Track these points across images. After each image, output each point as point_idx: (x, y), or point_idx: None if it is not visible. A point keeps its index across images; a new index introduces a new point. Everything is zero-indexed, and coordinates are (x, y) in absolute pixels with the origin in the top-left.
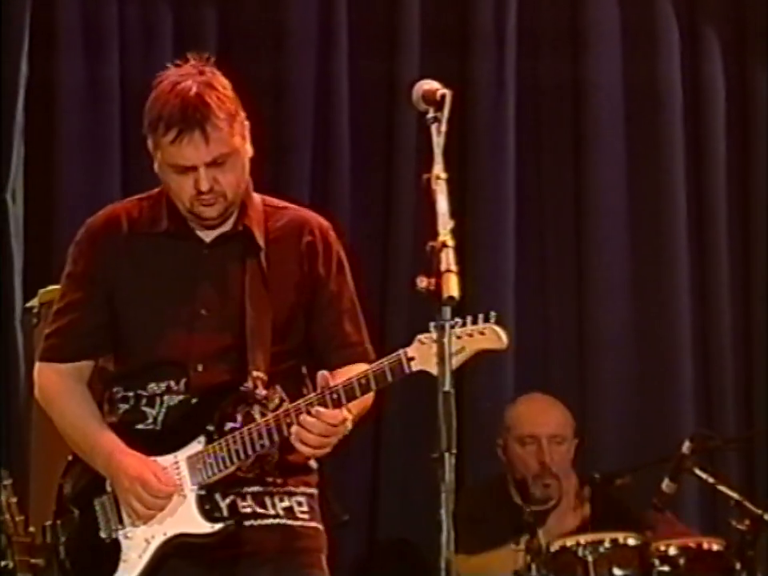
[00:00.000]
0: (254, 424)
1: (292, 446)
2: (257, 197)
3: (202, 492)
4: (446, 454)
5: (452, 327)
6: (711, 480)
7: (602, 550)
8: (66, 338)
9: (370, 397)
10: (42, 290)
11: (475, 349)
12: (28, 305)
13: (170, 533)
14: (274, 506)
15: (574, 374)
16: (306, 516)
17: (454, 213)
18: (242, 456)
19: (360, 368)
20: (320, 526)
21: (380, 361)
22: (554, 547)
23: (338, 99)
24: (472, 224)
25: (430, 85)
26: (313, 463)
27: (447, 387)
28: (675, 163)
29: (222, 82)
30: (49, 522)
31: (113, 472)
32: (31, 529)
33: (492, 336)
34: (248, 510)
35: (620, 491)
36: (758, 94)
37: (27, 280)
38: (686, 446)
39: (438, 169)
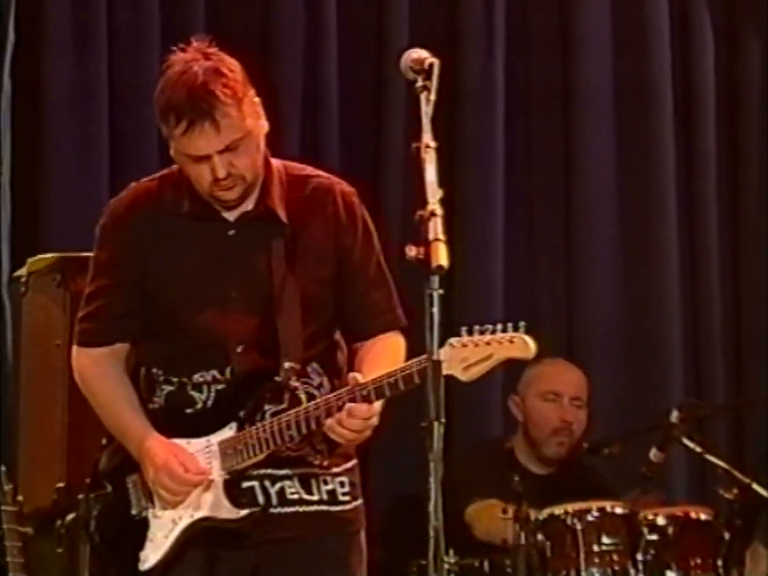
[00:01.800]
0: (285, 415)
1: None
2: (278, 165)
3: (229, 477)
4: (435, 423)
5: (481, 333)
6: (699, 449)
7: (590, 518)
8: (96, 324)
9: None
10: (30, 259)
11: (503, 356)
12: (16, 274)
13: (197, 515)
14: (318, 489)
15: (563, 343)
16: (347, 498)
17: (443, 182)
18: (271, 445)
19: (391, 339)
20: (359, 502)
21: (410, 362)
22: (543, 516)
23: (326, 78)
24: (461, 193)
25: (418, 53)
26: None
27: (436, 356)
28: (665, 154)
29: (229, 64)
30: (81, 495)
31: (142, 459)
32: (19, 497)
33: (521, 345)
34: (295, 496)
35: (608, 460)
36: (749, 93)
37: (15, 249)
38: (674, 415)
39: (427, 138)
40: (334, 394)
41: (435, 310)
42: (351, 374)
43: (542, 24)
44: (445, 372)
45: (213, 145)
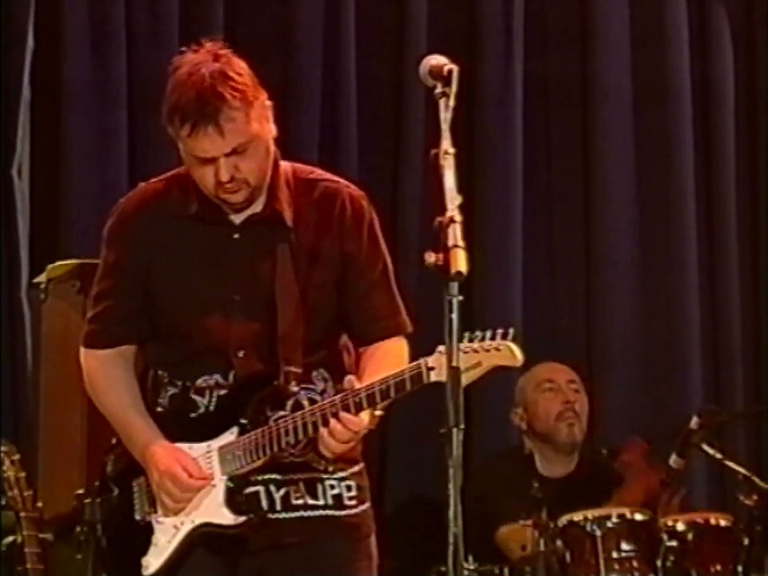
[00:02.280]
0: (282, 421)
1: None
2: (287, 167)
3: (231, 484)
4: (454, 430)
5: (470, 341)
6: (719, 455)
7: (609, 524)
8: (102, 325)
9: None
10: (50, 266)
11: (491, 364)
12: (36, 280)
13: (198, 521)
14: (324, 493)
15: (582, 349)
16: (353, 502)
17: (462, 188)
18: (268, 451)
19: (393, 345)
20: (366, 506)
21: (401, 369)
22: (562, 522)
23: (345, 80)
24: (480, 199)
25: (437, 60)
26: None
27: (455, 363)
28: (684, 158)
29: (237, 68)
30: (89, 500)
31: (146, 463)
32: (39, 504)
33: (507, 353)
34: (300, 501)
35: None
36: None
37: (34, 256)
38: (693, 422)
39: (446, 144)
40: (328, 400)
41: (454, 316)
42: (347, 378)
43: (560, 25)
44: (434, 379)
45: (219, 147)
